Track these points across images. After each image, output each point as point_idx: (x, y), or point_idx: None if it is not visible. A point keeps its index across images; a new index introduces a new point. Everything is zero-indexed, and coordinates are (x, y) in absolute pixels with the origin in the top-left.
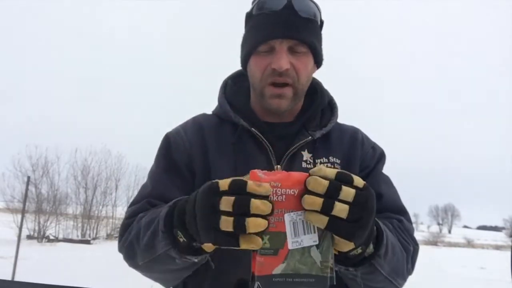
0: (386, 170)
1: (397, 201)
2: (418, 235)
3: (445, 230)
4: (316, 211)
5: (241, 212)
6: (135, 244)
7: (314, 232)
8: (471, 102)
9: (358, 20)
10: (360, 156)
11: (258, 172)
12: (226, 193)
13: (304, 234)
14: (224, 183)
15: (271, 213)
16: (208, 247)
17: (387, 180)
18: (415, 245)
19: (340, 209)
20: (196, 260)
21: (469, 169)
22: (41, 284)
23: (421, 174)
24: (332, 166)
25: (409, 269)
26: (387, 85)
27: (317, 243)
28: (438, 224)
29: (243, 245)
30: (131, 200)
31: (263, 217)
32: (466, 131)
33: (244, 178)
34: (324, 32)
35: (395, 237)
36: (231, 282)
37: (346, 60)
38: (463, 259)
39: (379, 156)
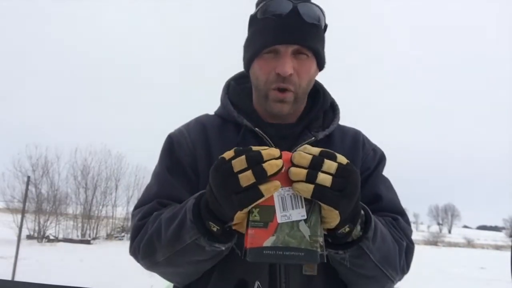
0: (387, 172)
1: (396, 204)
2: (418, 235)
3: (445, 230)
4: (302, 181)
5: (256, 163)
6: (155, 240)
7: (302, 207)
8: (471, 102)
9: (356, 17)
10: (361, 158)
11: None
12: (233, 158)
13: (293, 208)
14: (228, 153)
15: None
16: (240, 225)
17: (387, 183)
18: (410, 243)
19: (324, 178)
20: (223, 248)
21: (469, 169)
22: (41, 284)
23: (421, 174)
24: None
25: (403, 265)
26: (387, 85)
27: (305, 217)
28: (438, 224)
29: (266, 192)
30: (135, 203)
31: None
32: (466, 131)
33: None
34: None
35: (386, 229)
36: (233, 283)
37: (346, 60)
38: (463, 259)
39: (380, 158)
